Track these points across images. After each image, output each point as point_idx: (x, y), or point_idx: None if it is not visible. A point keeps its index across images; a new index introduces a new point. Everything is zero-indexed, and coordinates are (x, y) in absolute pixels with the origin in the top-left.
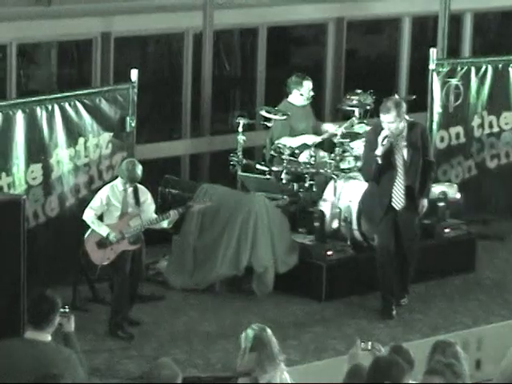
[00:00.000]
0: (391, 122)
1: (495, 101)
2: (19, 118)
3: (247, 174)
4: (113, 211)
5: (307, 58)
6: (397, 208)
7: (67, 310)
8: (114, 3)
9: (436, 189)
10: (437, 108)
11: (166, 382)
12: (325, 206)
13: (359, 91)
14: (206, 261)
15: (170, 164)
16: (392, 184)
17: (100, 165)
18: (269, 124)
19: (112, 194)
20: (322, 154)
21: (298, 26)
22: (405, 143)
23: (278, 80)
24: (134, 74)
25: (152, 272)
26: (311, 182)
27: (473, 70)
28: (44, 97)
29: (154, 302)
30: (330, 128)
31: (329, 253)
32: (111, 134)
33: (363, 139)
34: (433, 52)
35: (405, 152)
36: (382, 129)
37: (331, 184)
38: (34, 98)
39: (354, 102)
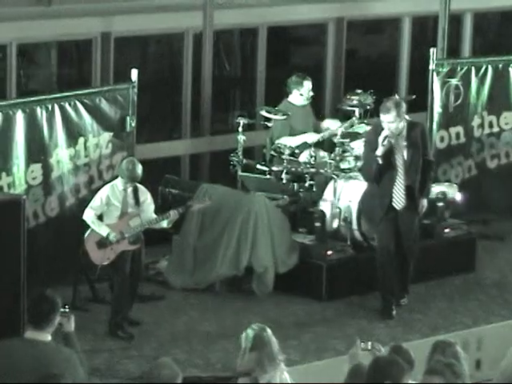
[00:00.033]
0: (391, 121)
1: (495, 101)
2: (19, 118)
3: (247, 174)
4: (113, 211)
5: (307, 58)
6: (397, 208)
7: (67, 310)
8: (113, 3)
9: (436, 189)
10: (437, 108)
11: (166, 382)
12: (325, 206)
13: (359, 91)
14: (206, 261)
15: (170, 164)
16: (392, 184)
17: (100, 165)
18: (269, 124)
19: (112, 193)
20: (322, 153)
21: (298, 26)
22: (405, 143)
23: (278, 80)
24: (134, 73)
25: (152, 272)
26: (311, 182)
27: (473, 70)
28: (44, 97)
29: (154, 302)
30: (330, 125)
31: (329, 253)
32: (111, 133)
33: (363, 139)
34: (433, 52)
35: (405, 152)
36: (382, 129)
37: (331, 184)
38: (33, 98)
39: (354, 102)
